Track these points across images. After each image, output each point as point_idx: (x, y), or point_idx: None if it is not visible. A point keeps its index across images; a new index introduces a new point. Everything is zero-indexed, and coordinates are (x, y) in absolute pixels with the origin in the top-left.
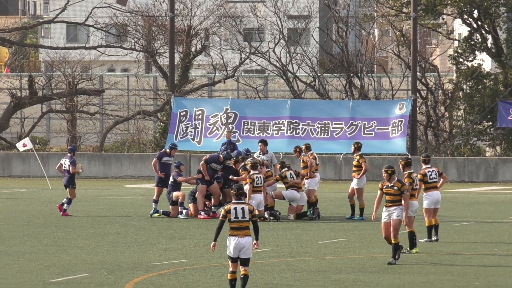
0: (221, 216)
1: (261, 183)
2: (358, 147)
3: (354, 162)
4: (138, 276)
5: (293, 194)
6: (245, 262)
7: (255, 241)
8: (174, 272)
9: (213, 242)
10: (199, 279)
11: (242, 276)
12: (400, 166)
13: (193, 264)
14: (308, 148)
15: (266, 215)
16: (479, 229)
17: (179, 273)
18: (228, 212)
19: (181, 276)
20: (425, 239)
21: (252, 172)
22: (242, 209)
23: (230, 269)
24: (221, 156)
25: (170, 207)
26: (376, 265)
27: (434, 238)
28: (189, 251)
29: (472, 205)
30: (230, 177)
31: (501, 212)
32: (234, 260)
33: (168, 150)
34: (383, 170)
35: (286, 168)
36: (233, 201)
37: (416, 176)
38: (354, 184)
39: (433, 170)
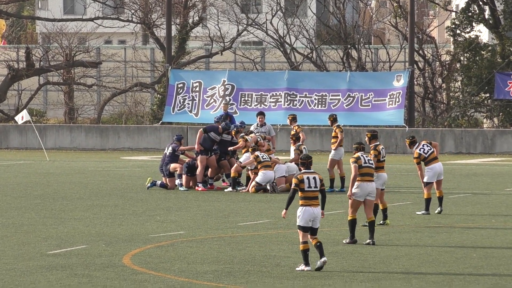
0: (293, 185)
1: (268, 159)
2: (334, 119)
3: (333, 133)
4: (135, 248)
5: (280, 167)
6: (315, 232)
7: (322, 211)
8: (171, 244)
9: (284, 210)
10: (196, 251)
11: (318, 244)
12: (366, 138)
13: (190, 236)
14: (294, 119)
15: (268, 187)
16: (477, 201)
17: (176, 245)
18: (301, 181)
19: (178, 248)
20: (422, 212)
21: (258, 154)
22: (314, 178)
23: (303, 239)
24: (220, 126)
25: (167, 179)
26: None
27: (437, 210)
28: (186, 223)
29: (469, 176)
30: (229, 148)
31: (499, 184)
32: (306, 229)
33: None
34: None
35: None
36: (303, 170)
37: (382, 148)
38: (330, 155)
39: (423, 145)
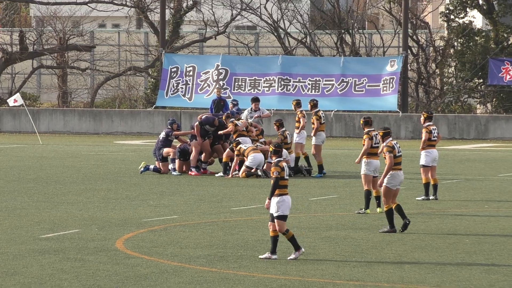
0: (276, 173)
1: (251, 145)
2: (314, 104)
3: (312, 120)
4: (128, 232)
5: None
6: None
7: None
8: (164, 229)
9: (268, 200)
10: (189, 235)
11: (293, 236)
12: (361, 124)
13: (183, 220)
14: (298, 104)
15: (259, 172)
16: (470, 186)
17: (169, 229)
18: (282, 169)
19: (171, 232)
20: (422, 197)
21: (241, 145)
22: (287, 166)
23: (285, 228)
24: (216, 119)
25: (160, 163)
26: (367, 222)
27: (432, 197)
28: (179, 208)
29: (462, 162)
30: (219, 132)
31: (492, 169)
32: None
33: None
34: None
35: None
36: (278, 158)
37: (376, 134)
38: (312, 141)
39: (434, 128)
